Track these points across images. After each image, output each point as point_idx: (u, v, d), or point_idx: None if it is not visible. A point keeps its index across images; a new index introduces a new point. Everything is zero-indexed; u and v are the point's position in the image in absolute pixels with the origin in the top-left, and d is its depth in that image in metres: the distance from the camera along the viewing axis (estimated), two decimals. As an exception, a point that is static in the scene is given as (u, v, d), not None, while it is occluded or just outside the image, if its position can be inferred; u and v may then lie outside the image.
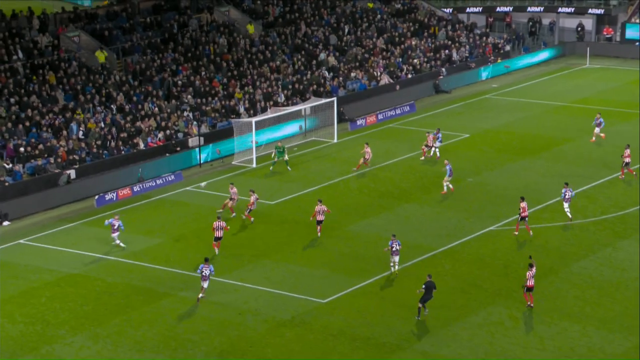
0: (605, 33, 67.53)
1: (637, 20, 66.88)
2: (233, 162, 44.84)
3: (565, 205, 36.39)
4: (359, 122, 50.66)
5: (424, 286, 29.49)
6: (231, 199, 37.81)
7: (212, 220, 37.41)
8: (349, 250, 34.54)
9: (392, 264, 32.50)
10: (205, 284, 30.41)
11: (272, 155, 43.44)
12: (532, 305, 29.49)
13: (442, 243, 34.77)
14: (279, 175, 43.03)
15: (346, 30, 60.11)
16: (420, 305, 29.37)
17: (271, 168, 43.08)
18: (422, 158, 44.03)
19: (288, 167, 43.32)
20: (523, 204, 35.17)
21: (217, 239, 34.07)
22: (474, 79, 59.90)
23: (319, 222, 35.58)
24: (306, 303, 30.54)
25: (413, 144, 47.11)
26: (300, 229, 36.53)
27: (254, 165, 44.34)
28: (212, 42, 54.23)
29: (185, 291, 31.50)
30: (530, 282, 29.43)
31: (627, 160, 40.52)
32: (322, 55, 56.44)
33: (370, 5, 64.32)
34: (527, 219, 35.06)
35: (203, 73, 51.00)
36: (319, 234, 35.68)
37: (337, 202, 39.36)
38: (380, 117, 51.80)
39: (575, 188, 39.89)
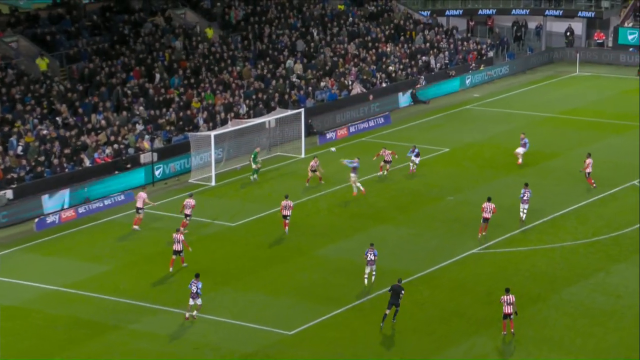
0: (596, 38, 68.39)
1: (631, 24, 67.82)
2: (190, 180, 44.69)
3: (523, 206, 38.15)
4: (328, 136, 50.76)
5: (389, 289, 30.37)
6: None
7: (166, 243, 37.27)
8: (317, 276, 34.49)
9: (366, 275, 32.96)
10: (192, 302, 30.87)
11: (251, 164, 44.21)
12: (509, 332, 29.55)
13: (420, 267, 34.85)
14: (240, 194, 42.93)
15: (314, 35, 60.33)
16: (387, 311, 29.97)
17: (254, 176, 43.83)
18: (380, 174, 44.00)
19: (253, 177, 43.69)
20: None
21: (285, 217, 37.09)
22: (455, 88, 60.34)
23: (285, 217, 37.35)
24: (270, 335, 30.42)
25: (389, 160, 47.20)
26: (265, 253, 36.43)
27: (213, 183, 44.22)
28: (167, 47, 54.15)
29: (136, 324, 31.23)
30: (506, 309, 29.50)
31: (589, 170, 41.82)
32: (289, 62, 56.57)
33: (341, 7, 64.64)
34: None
35: (157, 81, 50.86)
36: (285, 229, 37.31)
37: (304, 223, 39.33)
38: (352, 130, 51.95)
39: (565, 207, 40.26)
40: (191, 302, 31.05)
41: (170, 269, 34.97)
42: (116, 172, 44.05)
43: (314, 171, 43.39)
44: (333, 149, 44.36)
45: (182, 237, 34.86)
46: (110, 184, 43.15)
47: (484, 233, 37.38)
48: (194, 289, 30.95)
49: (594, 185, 42.17)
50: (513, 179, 43.55)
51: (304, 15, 62.10)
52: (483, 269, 34.71)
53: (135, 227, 38.58)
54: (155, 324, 31.19)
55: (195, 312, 31.23)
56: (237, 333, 30.59)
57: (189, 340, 30.11)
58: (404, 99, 56.99)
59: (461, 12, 69.42)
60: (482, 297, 32.61)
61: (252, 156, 44.17)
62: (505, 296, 29.73)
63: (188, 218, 38.44)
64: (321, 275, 34.53)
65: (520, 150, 45.29)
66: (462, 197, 42.02)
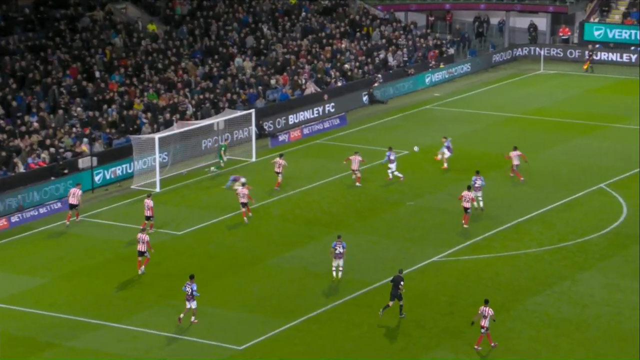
0: (561, 34, 69.36)
1: (597, 20, 68.93)
2: (132, 186, 44.53)
3: (475, 193, 39.70)
4: (281, 138, 50.90)
5: (391, 280, 31.74)
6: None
7: (108, 254, 37.13)
8: (270, 287, 34.59)
9: (334, 269, 33.93)
10: (189, 304, 31.41)
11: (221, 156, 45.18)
12: (492, 344, 29.98)
13: (379, 277, 35.10)
14: (187, 201, 42.89)
15: (265, 31, 60.46)
16: (390, 303, 31.57)
17: (212, 168, 45.07)
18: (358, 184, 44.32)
19: (212, 168, 44.96)
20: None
21: (244, 204, 38.82)
22: (414, 87, 60.84)
23: (243, 205, 39.42)
24: (220, 350, 30.44)
25: (345, 164, 47.46)
26: (213, 264, 36.45)
27: (158, 189, 44.11)
28: (107, 44, 53.90)
29: (74, 340, 31.08)
30: (483, 322, 29.90)
31: (516, 162, 43.52)
32: (238, 60, 56.62)
33: (293, 1, 64.85)
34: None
35: (96, 80, 50.58)
36: (245, 218, 39.38)
37: (256, 231, 39.42)
38: (305, 131, 52.15)
39: (529, 212, 40.83)
40: (187, 305, 31.59)
41: (140, 271, 35.19)
42: (52, 178, 43.73)
43: (278, 173, 43.62)
44: (416, 148, 46.28)
45: (147, 237, 35.19)
46: (46, 190, 42.84)
47: (465, 226, 38.87)
48: (188, 290, 31.46)
49: (522, 179, 43.63)
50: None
51: (254, 10, 62.21)
52: (444, 277, 35.07)
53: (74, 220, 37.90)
54: (95, 340, 31.05)
55: (193, 318, 31.68)
56: (184, 349, 30.57)
57: (130, 358, 30.03)
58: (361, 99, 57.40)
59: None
60: (443, 307, 32.95)
61: (222, 149, 45.23)
62: (483, 307, 30.07)
63: (151, 219, 38.79)
64: (274, 286, 34.64)
65: (444, 152, 45.68)
66: (422, 202, 42.41)
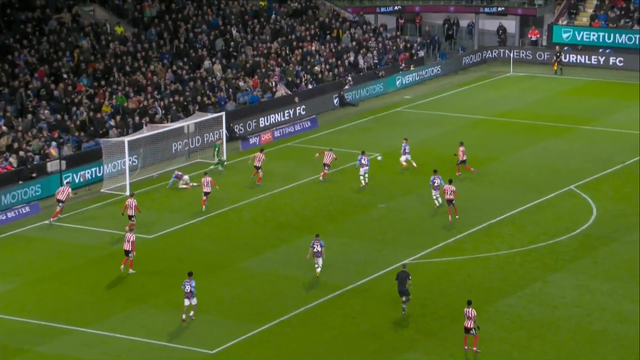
0: (530, 35, 69.86)
1: (565, 22, 69.50)
2: (102, 190, 44.34)
3: (434, 193, 40.88)
4: (252, 141, 50.88)
5: (396, 277, 32.34)
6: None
7: (78, 258, 36.97)
8: (241, 291, 34.57)
9: (317, 266, 34.77)
10: (188, 302, 31.67)
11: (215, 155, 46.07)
12: (475, 350, 30.05)
13: (350, 280, 35.19)
14: (157, 204, 42.77)
15: (234, 33, 60.41)
16: (402, 298, 32.29)
17: (219, 168, 46.10)
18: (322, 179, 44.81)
19: (215, 166, 46.01)
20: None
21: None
22: (384, 90, 61.03)
23: (206, 194, 40.89)
24: (191, 355, 30.40)
25: (315, 165, 47.55)
26: (184, 268, 36.34)
27: (127, 192, 43.93)
28: (75, 46, 53.63)
29: (43, 346, 30.90)
30: (467, 323, 30.03)
31: (463, 158, 44.48)
32: (207, 63, 56.53)
33: (263, 3, 64.84)
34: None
35: (65, 83, 50.29)
36: (203, 207, 40.81)
37: (227, 234, 39.37)
38: (276, 134, 52.16)
39: (500, 214, 41.08)
40: (186, 302, 31.68)
41: (131, 271, 35.52)
42: (20, 182, 43.42)
43: (258, 168, 44.41)
44: (380, 157, 46.01)
45: (133, 237, 35.30)
46: (14, 194, 42.52)
47: (456, 217, 39.81)
48: (187, 288, 31.62)
49: (474, 171, 44.79)
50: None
51: (223, 12, 62.13)
52: (416, 280, 35.13)
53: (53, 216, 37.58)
54: (64, 345, 30.89)
55: (192, 313, 31.87)
56: (154, 353, 30.49)
57: (103, 362, 29.92)
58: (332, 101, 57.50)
59: (392, 9, 70.13)
60: (415, 309, 33.07)
61: (216, 149, 45.87)
62: (467, 309, 30.21)
63: (132, 219, 38.86)
64: (245, 290, 34.62)
65: (408, 157, 46.01)
66: (394, 204, 42.54)
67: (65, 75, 50.95)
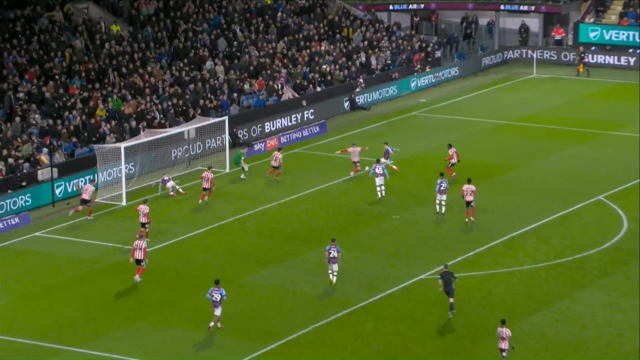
0: (554, 34, 69.75)
1: (592, 20, 69.38)
2: (97, 200, 44.32)
3: (440, 197, 41.30)
4: (257, 147, 50.84)
5: (439, 278, 33.15)
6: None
7: (70, 273, 36.91)
8: (245, 308, 34.48)
9: (329, 273, 35.25)
10: (217, 311, 32.14)
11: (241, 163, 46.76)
12: None
13: (362, 296, 35.06)
14: (156, 215, 42.71)
15: (238, 32, 60.44)
16: (450, 299, 33.04)
17: (242, 176, 46.60)
18: (352, 174, 46.20)
19: (242, 176, 46.61)
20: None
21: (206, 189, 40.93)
22: (398, 93, 60.97)
23: (205, 189, 42.62)
24: (192, 377, 30.33)
25: (324, 172, 47.49)
26: (184, 282, 36.29)
27: (124, 202, 43.91)
28: (68, 46, 53.69)
29: (35, 366, 30.85)
30: (501, 344, 29.95)
31: (453, 161, 45.44)
32: (209, 64, 56.55)
33: (268, 1, 64.90)
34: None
35: (56, 85, 50.33)
36: (200, 200, 42.81)
37: (230, 247, 39.31)
38: (283, 140, 52.12)
39: (523, 225, 40.93)
40: (217, 312, 32.35)
41: (136, 279, 35.86)
42: (9, 191, 43.45)
43: (276, 167, 45.51)
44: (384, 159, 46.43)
45: (145, 244, 35.86)
46: (2, 204, 42.54)
47: (471, 218, 40.67)
48: (217, 297, 32.15)
49: (453, 175, 45.15)
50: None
51: (225, 10, 62.18)
52: (433, 296, 35.02)
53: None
54: (57, 366, 30.86)
55: (218, 324, 32.36)
56: (154, 375, 30.43)
57: (97, 385, 29.84)
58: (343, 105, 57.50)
59: (406, 6, 70.12)
60: (432, 328, 32.95)
61: (236, 158, 46.60)
62: (500, 328, 30.14)
63: (146, 226, 39.24)
64: (250, 307, 34.53)
65: (388, 161, 46.43)
66: (408, 215, 42.43)
67: (56, 77, 50.98)
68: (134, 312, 34.12)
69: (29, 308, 34.65)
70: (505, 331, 30.04)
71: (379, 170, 43.62)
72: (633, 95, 59.89)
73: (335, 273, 35.42)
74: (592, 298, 34.84)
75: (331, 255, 35.17)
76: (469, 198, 40.55)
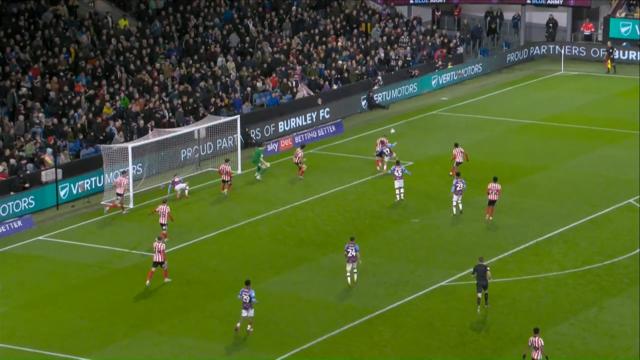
0: (583, 29, 69.58)
1: (624, 14, 69.20)
2: (102, 202, 44.50)
3: (456, 198, 41.78)
4: (270, 148, 50.94)
5: (473, 271, 34.19)
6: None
7: (74, 279, 37.08)
8: (257, 315, 34.52)
9: (348, 274, 35.95)
10: (246, 313, 32.65)
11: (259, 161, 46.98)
12: None
13: (380, 304, 35.10)
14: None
15: (250, 27, 60.56)
16: (478, 294, 34.04)
17: (258, 177, 46.85)
18: (378, 168, 47.16)
19: (257, 176, 46.87)
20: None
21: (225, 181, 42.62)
22: (418, 90, 60.96)
23: (225, 181, 44.37)
24: (202, 388, 30.44)
25: (341, 174, 47.55)
26: (195, 290, 36.41)
27: (131, 205, 44.08)
28: (73, 41, 53.93)
29: (38, 376, 31.01)
30: (534, 355, 29.98)
31: (458, 160, 46.18)
32: (220, 60, 56.70)
33: (283, -6, 65.04)
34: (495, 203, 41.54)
35: (61, 82, 50.56)
36: (224, 191, 44.67)
37: (242, 252, 39.40)
38: (297, 140, 52.22)
39: (549, 230, 40.89)
40: (244, 313, 32.67)
41: (147, 283, 35.98)
42: (11, 192, 43.65)
43: (297, 163, 46.33)
44: (392, 130, 48.63)
45: (163, 246, 36.11)
46: (4, 207, 42.75)
47: (490, 217, 41.26)
48: (246, 298, 32.57)
49: (451, 174, 45.67)
50: (486, 199, 44.00)
51: (237, 4, 62.33)
52: (454, 304, 35.05)
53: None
54: (61, 376, 31.03)
55: (249, 327, 32.81)
56: (162, 386, 30.54)
57: (102, 396, 29.99)
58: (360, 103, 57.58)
59: (426, 0, 70.09)
60: (453, 338, 32.96)
61: (255, 156, 46.86)
62: (533, 338, 30.19)
63: (164, 227, 39.53)
64: (262, 314, 34.59)
65: (386, 158, 47.22)
66: (428, 219, 42.44)
67: (61, 74, 51.22)
68: (141, 320, 34.24)
69: (31, 315, 34.81)
70: (538, 340, 30.05)
71: (398, 172, 43.63)
72: (666, 93, 59.76)
73: (355, 271, 36.06)
74: (622, 307, 34.78)
75: (349, 255, 35.73)
76: (494, 197, 41.01)
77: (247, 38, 59.50)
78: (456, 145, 46.74)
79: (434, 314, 34.52)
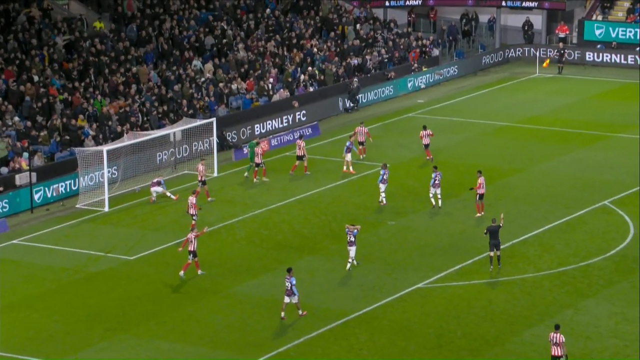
0: (558, 32, 69.98)
1: (600, 17, 69.63)
2: (77, 205, 44.41)
3: (434, 190, 42.81)
4: (246, 150, 50.92)
5: (486, 231, 36.73)
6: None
7: (50, 283, 36.99)
8: (234, 319, 34.59)
9: (349, 260, 37.59)
10: (288, 299, 33.77)
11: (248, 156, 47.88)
12: None
13: (357, 306, 35.19)
14: (140, 222, 42.82)
15: (226, 30, 60.57)
16: (490, 253, 36.60)
17: (246, 174, 47.33)
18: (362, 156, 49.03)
19: (246, 173, 47.21)
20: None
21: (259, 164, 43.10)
22: (394, 93, 61.13)
23: (258, 165, 46.36)
24: (178, 391, 30.44)
25: (317, 177, 47.63)
26: (170, 293, 36.39)
27: (106, 208, 44.01)
28: (47, 44, 53.78)
29: (13, 380, 30.94)
30: (554, 351, 30.15)
31: (426, 141, 48.23)
32: (195, 63, 56.68)
33: (258, -4, 65.08)
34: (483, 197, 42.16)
35: (35, 86, 50.37)
36: (264, 178, 46.48)
37: (218, 255, 39.42)
38: (274, 142, 52.25)
39: (525, 232, 41.11)
40: (286, 299, 33.80)
41: (182, 274, 37.03)
42: (-15, 196, 43.56)
43: (301, 157, 47.34)
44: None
45: (193, 235, 37.06)
46: (-21, 210, 42.66)
47: (482, 213, 42.10)
48: (287, 285, 33.68)
49: (430, 158, 48.24)
50: (463, 201, 44.25)
51: (213, 6, 62.31)
52: (431, 306, 35.20)
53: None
54: (36, 380, 30.95)
55: (300, 311, 34.04)
56: (138, 389, 30.53)
57: (79, 400, 29.94)
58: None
59: (402, 2, 70.25)
60: (430, 340, 33.08)
61: (251, 151, 47.18)
62: (554, 334, 30.43)
63: (194, 217, 40.94)
64: (239, 317, 34.64)
65: (348, 157, 47.88)
66: (405, 221, 42.58)
67: (35, 77, 51.04)
68: (117, 324, 34.19)
69: (6, 320, 34.66)
70: (560, 337, 30.27)
71: (386, 176, 43.67)
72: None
73: (352, 258, 37.46)
74: (597, 308, 35.00)
75: (349, 239, 37.23)
76: (482, 191, 41.88)
77: (223, 40, 59.49)
78: (424, 128, 48.39)
79: (411, 316, 34.65)
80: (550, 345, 30.45)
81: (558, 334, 30.37)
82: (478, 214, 42.23)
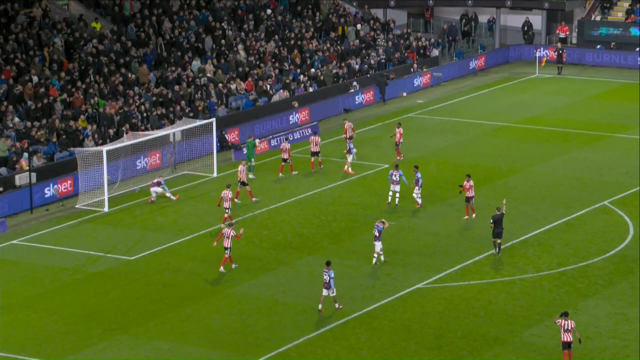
0: (558, 32, 69.99)
1: (599, 18, 69.64)
2: (77, 206, 44.40)
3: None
4: (246, 150, 50.88)
5: (492, 220, 37.57)
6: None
7: (49, 283, 36.96)
8: (233, 319, 34.57)
9: (375, 253, 37.91)
10: (326, 292, 34.15)
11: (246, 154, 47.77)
12: None
13: (356, 307, 35.16)
14: (139, 222, 42.80)
15: (226, 31, 60.56)
16: (494, 239, 37.92)
17: (251, 175, 46.98)
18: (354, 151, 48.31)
19: (249, 175, 46.41)
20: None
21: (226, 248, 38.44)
22: (394, 94, 61.12)
23: (285, 161, 47.01)
24: (178, 392, 30.41)
25: (316, 177, 47.60)
26: (169, 293, 36.37)
27: (106, 209, 43.99)
28: (47, 44, 53.76)
29: (12, 381, 30.92)
30: (566, 337, 30.38)
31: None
32: (195, 63, 56.65)
33: (258, -3, 65.11)
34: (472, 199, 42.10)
35: (34, 85, 50.37)
36: (292, 172, 47.31)
37: (217, 255, 39.37)
38: (273, 143, 52.22)
39: (524, 232, 41.09)
40: (324, 292, 34.17)
41: (222, 269, 37.40)
42: (-15, 196, 43.57)
43: (316, 153, 47.92)
44: (405, 94, 51.05)
45: (233, 232, 37.21)
46: (-21, 211, 42.65)
47: (474, 215, 41.98)
48: (326, 278, 34.09)
49: (401, 157, 48.63)
50: (463, 201, 44.18)
51: (213, 7, 62.30)
52: (430, 307, 35.18)
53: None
54: (36, 380, 30.93)
55: (336, 305, 34.41)
56: (137, 390, 30.50)
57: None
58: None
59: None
60: (430, 340, 33.07)
61: (249, 151, 47.36)
62: (563, 321, 30.62)
63: (228, 211, 41.32)
64: (238, 318, 34.62)
65: (350, 159, 47.99)
66: (404, 222, 42.56)
67: (35, 78, 51.03)
68: (116, 324, 34.17)
69: (5, 320, 34.65)
70: (570, 323, 30.54)
71: (395, 177, 43.58)
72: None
73: (378, 254, 37.73)
74: (597, 308, 34.98)
75: (374, 234, 37.61)
76: (470, 194, 41.71)
77: (223, 41, 59.47)
78: (398, 125, 48.98)
79: (410, 316, 34.63)
80: (561, 332, 30.65)
81: (568, 321, 30.56)
82: (466, 217, 42.05)
